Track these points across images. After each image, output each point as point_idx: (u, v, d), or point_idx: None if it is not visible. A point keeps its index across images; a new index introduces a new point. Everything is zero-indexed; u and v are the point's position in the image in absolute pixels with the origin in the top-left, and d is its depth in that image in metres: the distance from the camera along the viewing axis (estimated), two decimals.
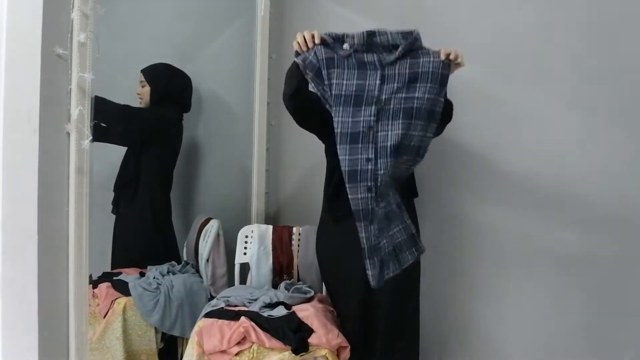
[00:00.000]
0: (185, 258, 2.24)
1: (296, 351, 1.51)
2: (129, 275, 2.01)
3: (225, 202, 2.46)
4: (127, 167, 2.22)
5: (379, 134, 1.46)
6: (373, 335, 1.64)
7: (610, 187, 1.86)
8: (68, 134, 1.19)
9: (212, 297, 1.94)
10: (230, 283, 2.07)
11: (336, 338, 1.57)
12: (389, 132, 1.46)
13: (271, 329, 1.56)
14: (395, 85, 1.46)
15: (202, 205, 2.49)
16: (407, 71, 1.47)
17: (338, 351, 1.58)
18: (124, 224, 2.23)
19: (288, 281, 1.94)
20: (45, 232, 1.12)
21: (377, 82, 1.45)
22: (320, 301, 1.81)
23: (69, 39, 1.17)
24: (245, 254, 2.02)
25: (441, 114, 1.54)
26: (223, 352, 1.53)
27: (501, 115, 1.97)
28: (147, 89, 2.23)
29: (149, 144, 2.20)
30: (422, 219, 1.80)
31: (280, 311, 1.67)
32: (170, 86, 2.24)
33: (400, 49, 1.48)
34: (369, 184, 1.45)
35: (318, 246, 1.81)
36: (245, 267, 2.03)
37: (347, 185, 1.45)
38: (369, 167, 1.45)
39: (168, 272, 2.03)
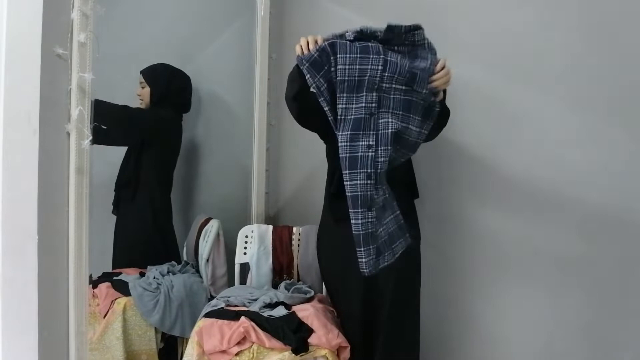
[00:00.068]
0: (185, 258, 2.24)
1: (296, 351, 1.51)
2: (129, 275, 2.02)
3: (225, 202, 2.46)
4: (127, 167, 2.23)
5: (380, 121, 1.45)
6: (374, 335, 1.64)
7: (610, 187, 1.86)
8: (68, 134, 1.19)
9: (212, 297, 1.94)
10: (230, 283, 2.07)
11: (336, 338, 1.57)
12: (390, 121, 1.45)
13: (271, 329, 1.56)
14: (396, 75, 1.45)
15: (202, 205, 2.50)
16: (408, 66, 1.46)
17: (338, 351, 1.59)
18: (125, 224, 2.23)
19: (288, 281, 1.94)
20: (45, 232, 1.12)
21: (380, 67, 1.44)
22: (320, 301, 1.81)
23: (69, 39, 1.18)
24: (245, 254, 2.02)
25: (440, 119, 1.55)
26: (223, 352, 1.53)
27: (501, 115, 1.97)
28: (147, 90, 2.23)
29: (148, 144, 2.20)
30: (423, 219, 1.81)
31: (280, 311, 1.67)
32: (170, 86, 2.24)
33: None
34: (369, 170, 1.44)
35: (319, 246, 1.81)
36: (245, 267, 2.03)
37: (345, 172, 1.44)
38: (370, 153, 1.44)
39: (168, 272, 2.03)
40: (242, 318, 1.60)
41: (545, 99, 1.92)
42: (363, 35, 1.47)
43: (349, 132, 1.44)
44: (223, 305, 1.74)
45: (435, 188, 2.03)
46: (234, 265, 2.04)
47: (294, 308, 1.70)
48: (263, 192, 2.25)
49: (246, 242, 2.03)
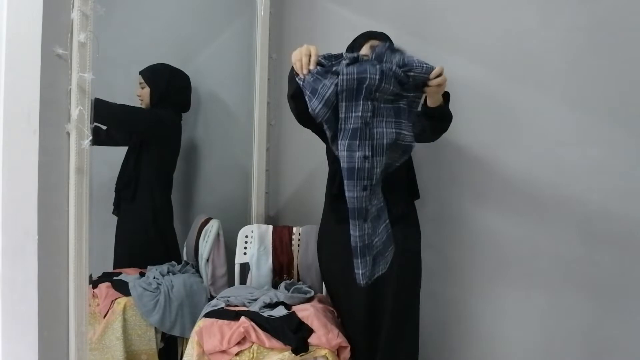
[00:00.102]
0: (185, 258, 2.25)
1: (296, 351, 1.51)
2: (129, 275, 2.02)
3: (225, 202, 2.46)
4: (127, 167, 2.23)
5: (376, 130, 1.44)
6: (375, 335, 1.64)
7: (611, 187, 1.86)
8: (68, 134, 1.19)
9: (212, 297, 1.94)
10: (230, 283, 2.07)
11: (336, 338, 1.57)
12: (384, 129, 1.44)
13: (271, 329, 1.56)
14: (392, 87, 1.45)
15: (202, 205, 2.50)
16: (402, 74, 1.46)
17: (338, 351, 1.59)
18: (125, 225, 2.23)
19: (288, 281, 1.94)
20: (45, 232, 1.12)
21: (377, 77, 1.44)
22: (320, 301, 1.81)
23: (69, 39, 1.17)
24: (245, 254, 2.02)
25: (440, 121, 1.54)
26: (223, 352, 1.53)
27: (501, 115, 1.97)
28: (147, 90, 2.23)
29: (148, 144, 2.20)
30: (423, 219, 1.81)
31: (280, 311, 1.67)
32: (169, 86, 2.24)
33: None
34: (365, 182, 1.44)
35: (319, 247, 1.81)
36: (245, 267, 2.03)
37: (345, 182, 1.44)
38: (366, 165, 1.44)
39: (168, 272, 2.03)
40: (242, 318, 1.60)
41: (545, 99, 1.92)
42: (357, 61, 1.46)
43: (347, 141, 1.43)
44: (223, 305, 1.74)
45: (436, 189, 2.03)
46: (234, 265, 2.04)
47: (294, 308, 1.70)
48: (263, 192, 2.25)
49: (246, 242, 2.03)
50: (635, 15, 1.81)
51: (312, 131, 1.71)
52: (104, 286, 1.92)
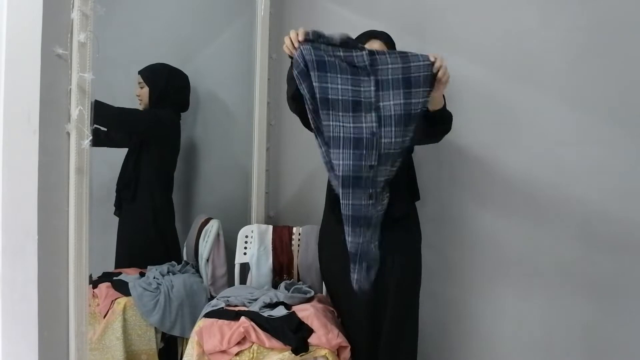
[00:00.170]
0: (185, 258, 2.24)
1: (296, 351, 1.51)
2: (129, 275, 2.02)
3: (225, 202, 2.46)
4: (127, 168, 2.23)
5: (383, 140, 1.44)
6: (375, 335, 1.64)
7: (611, 187, 1.86)
8: (68, 134, 1.19)
9: (212, 297, 1.94)
10: (230, 283, 2.07)
11: (336, 338, 1.57)
12: (392, 140, 1.44)
13: (271, 329, 1.56)
14: (392, 92, 1.45)
15: (202, 205, 2.50)
16: (401, 76, 1.45)
17: (338, 351, 1.58)
18: (127, 226, 2.23)
19: (288, 281, 1.94)
20: (45, 232, 1.12)
21: (372, 88, 1.44)
22: (320, 301, 1.81)
23: (69, 39, 1.17)
24: (245, 254, 2.02)
25: (443, 124, 1.54)
26: (223, 352, 1.53)
27: (501, 115, 1.97)
28: (146, 90, 2.23)
29: (148, 144, 2.20)
30: (423, 220, 1.80)
31: (280, 311, 1.67)
32: (168, 86, 2.24)
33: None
34: (370, 190, 1.45)
35: (320, 247, 1.81)
36: (245, 267, 2.03)
37: (344, 190, 1.44)
38: (371, 174, 1.45)
39: (168, 272, 2.03)
40: (242, 318, 1.60)
41: (545, 99, 1.92)
42: (349, 44, 1.46)
43: (350, 151, 1.43)
44: (223, 305, 1.74)
45: (436, 189, 2.04)
46: (234, 265, 2.04)
47: (294, 308, 1.70)
48: (263, 192, 2.25)
49: (246, 242, 2.03)
50: (635, 15, 1.82)
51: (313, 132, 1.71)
52: (104, 286, 1.92)
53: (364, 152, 1.43)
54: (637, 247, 1.84)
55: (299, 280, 1.99)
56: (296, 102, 1.54)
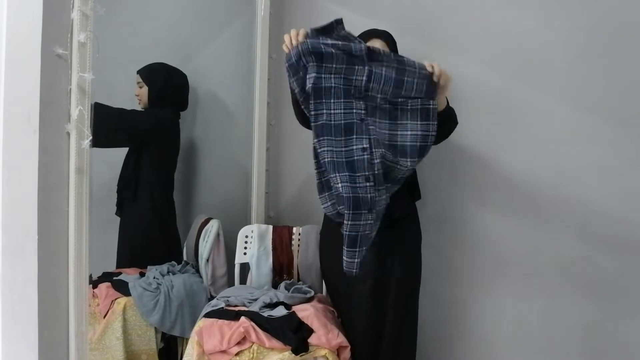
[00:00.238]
0: (185, 258, 2.24)
1: (296, 351, 1.51)
2: (129, 275, 2.02)
3: (225, 202, 2.46)
4: (127, 168, 2.23)
5: (370, 127, 1.48)
6: (375, 335, 1.65)
7: (611, 187, 1.86)
8: (68, 134, 1.19)
9: (212, 297, 1.94)
10: (230, 283, 2.07)
11: (336, 338, 1.57)
12: (377, 128, 1.49)
13: (271, 329, 1.56)
14: (381, 86, 1.47)
15: (202, 205, 2.49)
16: (394, 76, 1.47)
17: (338, 351, 1.58)
18: (128, 226, 2.23)
19: (288, 281, 1.94)
20: (45, 232, 1.12)
21: (364, 78, 1.47)
22: (320, 301, 1.81)
23: (69, 39, 1.17)
24: (245, 254, 2.02)
25: (444, 121, 1.55)
26: (223, 352, 1.53)
27: (501, 115, 1.97)
28: (145, 89, 2.23)
29: (147, 145, 2.20)
30: (424, 220, 1.81)
31: (280, 311, 1.67)
32: (167, 85, 2.24)
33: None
34: (367, 173, 1.46)
35: (321, 247, 1.82)
36: (245, 267, 2.03)
37: (341, 174, 1.45)
38: (365, 156, 1.46)
39: (168, 272, 2.03)
40: (242, 318, 1.60)
41: (545, 99, 1.92)
42: (348, 39, 1.48)
43: (342, 138, 1.47)
44: (223, 305, 1.74)
45: (436, 189, 2.04)
46: (234, 265, 2.04)
47: (294, 308, 1.70)
48: (263, 192, 2.25)
49: (246, 242, 2.03)
50: (635, 15, 1.82)
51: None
52: (104, 286, 1.92)
53: (354, 136, 1.47)
54: (637, 247, 1.84)
55: (299, 280, 1.99)
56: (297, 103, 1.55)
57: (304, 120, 1.61)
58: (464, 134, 1.97)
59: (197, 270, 2.11)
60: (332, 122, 1.47)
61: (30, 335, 1.10)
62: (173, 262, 2.14)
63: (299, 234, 2.02)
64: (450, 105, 1.62)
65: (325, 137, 1.47)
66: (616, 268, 1.86)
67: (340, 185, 1.45)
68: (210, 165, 2.55)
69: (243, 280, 2.05)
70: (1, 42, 1.07)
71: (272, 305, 1.72)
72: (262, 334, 1.55)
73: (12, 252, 1.08)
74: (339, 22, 1.49)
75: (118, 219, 2.25)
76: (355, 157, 1.46)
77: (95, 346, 1.78)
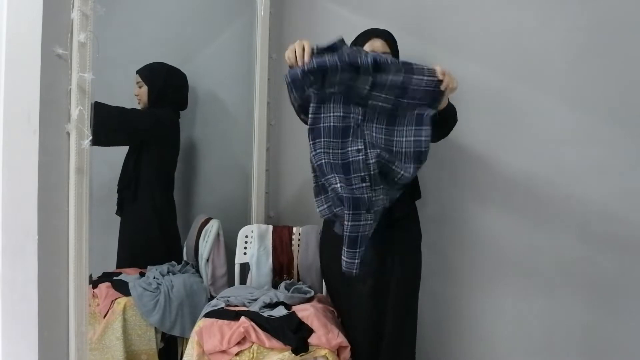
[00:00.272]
0: (185, 258, 2.24)
1: (296, 351, 1.51)
2: (129, 275, 2.02)
3: (225, 202, 2.46)
4: (127, 168, 2.23)
5: (366, 132, 1.50)
6: (375, 335, 1.65)
7: (611, 187, 1.86)
8: (68, 134, 1.19)
9: (212, 297, 1.94)
10: (230, 283, 2.07)
11: (336, 338, 1.57)
12: (374, 133, 1.50)
13: (271, 329, 1.56)
14: (383, 95, 1.48)
15: (202, 205, 2.49)
16: (399, 84, 1.47)
17: (338, 351, 1.58)
18: (128, 225, 2.23)
19: (288, 281, 1.94)
20: (45, 232, 1.12)
21: (367, 87, 1.47)
22: (320, 301, 1.81)
23: (69, 39, 1.17)
24: (245, 254, 2.02)
25: (444, 119, 1.55)
26: (223, 352, 1.53)
27: (501, 115, 1.97)
28: (145, 89, 2.23)
29: (147, 144, 2.20)
30: (423, 219, 1.81)
31: (280, 311, 1.67)
32: (167, 84, 2.24)
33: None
34: (362, 173, 1.46)
35: (321, 247, 1.82)
36: (245, 267, 2.03)
37: (338, 175, 1.45)
38: (360, 156, 1.47)
39: (168, 272, 2.03)
40: (242, 318, 1.60)
41: (545, 99, 1.92)
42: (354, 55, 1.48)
43: (340, 140, 1.49)
44: (223, 305, 1.74)
45: (436, 189, 2.04)
46: (234, 265, 2.04)
47: (294, 308, 1.70)
48: (263, 192, 2.25)
49: (246, 242, 2.03)
50: (635, 15, 1.82)
51: None
52: (104, 286, 1.92)
53: (350, 138, 1.49)
54: (637, 247, 1.84)
55: (299, 280, 1.99)
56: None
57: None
58: (464, 133, 1.97)
59: (197, 270, 2.11)
60: (331, 124, 1.48)
61: (30, 335, 1.10)
62: (173, 262, 2.14)
63: (299, 234, 2.02)
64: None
65: (323, 139, 1.48)
66: (616, 268, 1.86)
67: (338, 185, 1.45)
68: (210, 165, 2.55)
69: (243, 280, 2.05)
70: (1, 42, 1.07)
71: (272, 305, 1.72)
72: (262, 334, 1.55)
73: (12, 252, 1.08)
74: (342, 42, 1.48)
75: (118, 219, 2.25)
76: (351, 159, 1.48)
77: (95, 346, 1.78)
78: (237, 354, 1.53)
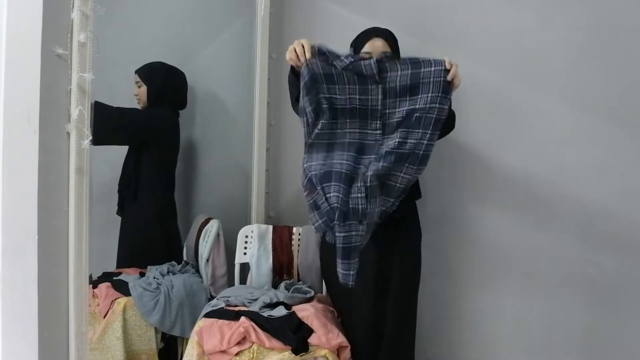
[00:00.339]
0: (185, 258, 2.24)
1: (296, 351, 1.51)
2: (129, 275, 2.02)
3: (225, 202, 2.46)
4: (127, 168, 2.23)
5: (382, 147, 1.49)
6: (375, 335, 1.65)
7: (611, 187, 1.86)
8: (68, 134, 1.19)
9: (212, 297, 1.94)
10: (230, 283, 2.07)
11: (336, 338, 1.57)
12: (389, 142, 1.48)
13: (271, 329, 1.56)
14: (398, 99, 1.47)
15: (202, 205, 2.49)
16: (409, 83, 1.46)
17: (338, 351, 1.58)
18: (128, 225, 2.23)
19: (288, 281, 1.94)
20: (45, 232, 1.12)
21: (380, 96, 1.47)
22: (320, 301, 1.81)
23: (69, 39, 1.17)
24: (245, 254, 2.02)
25: (443, 123, 1.54)
26: (223, 352, 1.53)
27: (502, 115, 1.98)
28: (144, 88, 2.23)
29: (147, 144, 2.20)
30: (423, 219, 1.81)
31: (280, 311, 1.67)
32: (166, 84, 2.24)
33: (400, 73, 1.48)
34: (359, 184, 1.46)
35: (322, 247, 1.82)
36: (245, 267, 2.03)
37: (339, 184, 1.45)
38: (361, 168, 1.47)
39: (168, 272, 2.03)
40: (242, 318, 1.60)
41: (545, 99, 1.92)
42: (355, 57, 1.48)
43: (355, 154, 1.49)
44: (223, 305, 1.74)
45: (436, 189, 2.04)
46: (234, 265, 2.04)
47: (294, 308, 1.70)
48: (263, 192, 2.25)
49: (246, 242, 2.03)
50: (635, 15, 1.82)
51: None
52: (104, 286, 1.92)
53: (365, 156, 1.48)
54: (637, 247, 1.84)
55: (299, 280, 1.99)
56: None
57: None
58: (464, 133, 1.97)
59: (197, 270, 2.11)
60: (347, 141, 1.48)
61: (30, 335, 1.10)
62: (173, 262, 2.14)
63: (299, 234, 2.02)
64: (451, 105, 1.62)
65: (336, 152, 1.48)
66: (616, 268, 1.86)
67: (331, 195, 1.44)
68: (210, 165, 2.55)
69: (243, 280, 2.05)
70: (1, 42, 1.07)
71: (272, 305, 1.72)
72: (262, 334, 1.55)
73: (12, 252, 1.08)
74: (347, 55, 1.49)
75: (118, 219, 2.25)
76: (350, 171, 1.47)
77: (95, 346, 1.78)
78: (237, 354, 1.53)
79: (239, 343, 1.54)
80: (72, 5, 1.17)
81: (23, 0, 1.09)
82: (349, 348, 1.60)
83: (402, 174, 1.51)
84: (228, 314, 1.65)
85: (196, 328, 1.62)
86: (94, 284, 1.93)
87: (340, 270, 1.46)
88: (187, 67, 2.34)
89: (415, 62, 1.46)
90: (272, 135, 2.30)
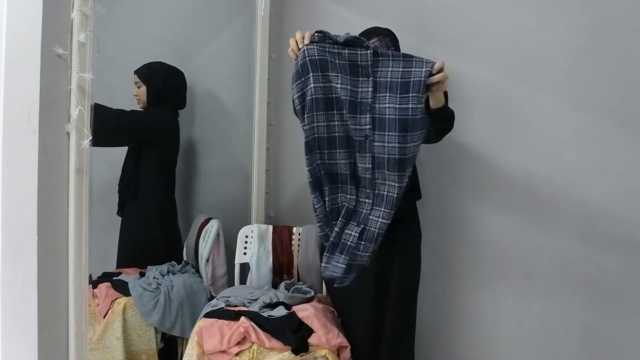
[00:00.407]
0: (185, 258, 2.24)
1: (296, 351, 1.51)
2: (128, 275, 2.02)
3: (225, 202, 2.46)
4: (127, 168, 2.23)
5: (375, 144, 1.43)
6: (375, 335, 1.65)
7: (611, 187, 1.86)
8: (68, 134, 1.19)
9: (212, 297, 1.94)
10: (230, 283, 2.07)
11: (336, 338, 1.57)
12: (386, 145, 1.42)
13: (271, 329, 1.56)
14: (388, 94, 1.44)
15: (202, 205, 2.49)
16: (400, 80, 1.43)
17: (338, 351, 1.59)
18: (129, 225, 2.23)
19: (288, 281, 1.94)
20: (45, 232, 1.12)
21: (370, 89, 1.43)
22: (320, 301, 1.81)
23: (69, 39, 1.17)
24: (245, 254, 2.02)
25: (444, 123, 1.53)
26: (223, 352, 1.53)
27: (502, 115, 1.98)
28: (143, 89, 2.23)
29: (147, 144, 2.20)
30: (424, 219, 1.81)
31: (280, 311, 1.67)
32: (166, 84, 2.24)
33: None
34: (367, 191, 1.45)
35: (322, 247, 1.82)
36: (245, 267, 2.03)
37: (340, 186, 1.45)
38: (367, 175, 1.45)
39: (168, 272, 2.03)
40: (242, 318, 1.60)
41: (545, 99, 1.92)
42: (354, 43, 1.46)
43: (347, 150, 1.46)
44: (223, 305, 1.74)
45: (437, 189, 2.04)
46: (234, 265, 2.04)
47: (294, 308, 1.70)
48: (263, 192, 2.25)
49: (246, 242, 2.03)
50: (635, 15, 1.82)
51: None
52: (104, 286, 1.92)
53: (358, 153, 1.45)
54: (637, 247, 1.84)
55: (299, 280, 1.99)
56: None
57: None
58: (464, 133, 1.97)
59: (197, 270, 2.11)
60: (336, 134, 1.45)
61: (30, 335, 1.10)
62: (173, 262, 2.14)
63: (299, 234, 2.02)
64: (451, 105, 1.61)
65: (325, 151, 1.46)
66: (616, 268, 1.86)
67: (327, 198, 1.45)
68: (210, 165, 2.55)
69: (243, 280, 2.05)
70: (1, 42, 1.07)
71: (272, 305, 1.72)
72: (262, 334, 1.55)
73: (12, 252, 1.08)
74: (347, 36, 1.46)
75: (118, 219, 2.25)
76: (360, 175, 1.46)
77: (95, 346, 1.78)
78: (237, 354, 1.53)
79: (239, 343, 1.54)
80: (72, 5, 1.17)
81: (23, 0, 1.09)
82: (349, 348, 1.60)
83: (387, 181, 1.47)
84: (228, 314, 1.65)
85: (196, 328, 1.62)
86: (94, 284, 1.93)
87: (324, 264, 1.46)
88: (187, 67, 2.34)
89: (408, 60, 1.44)
90: (272, 135, 2.30)
